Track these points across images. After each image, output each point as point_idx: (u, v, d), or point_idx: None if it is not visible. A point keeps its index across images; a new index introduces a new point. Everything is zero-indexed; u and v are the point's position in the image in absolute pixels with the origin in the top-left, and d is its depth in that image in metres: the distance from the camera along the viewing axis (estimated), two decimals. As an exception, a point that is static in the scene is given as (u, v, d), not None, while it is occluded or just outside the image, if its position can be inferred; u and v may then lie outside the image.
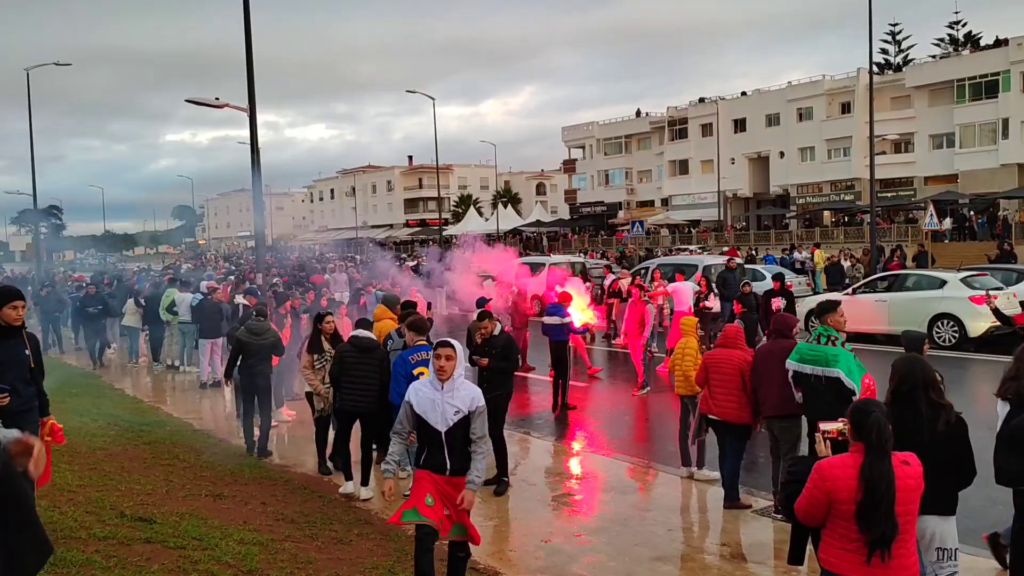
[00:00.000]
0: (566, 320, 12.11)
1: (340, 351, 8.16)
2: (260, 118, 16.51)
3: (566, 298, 12.56)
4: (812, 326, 7.84)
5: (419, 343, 7.45)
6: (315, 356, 8.92)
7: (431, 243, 56.84)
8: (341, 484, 8.15)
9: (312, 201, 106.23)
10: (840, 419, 4.05)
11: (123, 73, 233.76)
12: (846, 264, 26.86)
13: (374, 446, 8.22)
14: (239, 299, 14.14)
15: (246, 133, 16.63)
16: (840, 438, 3.95)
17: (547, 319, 12.24)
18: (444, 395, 5.01)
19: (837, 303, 6.85)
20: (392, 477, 5.27)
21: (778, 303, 13.47)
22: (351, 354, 7.97)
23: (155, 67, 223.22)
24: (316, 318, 9.13)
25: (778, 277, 14.92)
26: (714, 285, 16.60)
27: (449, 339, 5.11)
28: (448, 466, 5.01)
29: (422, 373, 7.04)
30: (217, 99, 17.77)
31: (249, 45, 16.15)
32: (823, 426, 4.06)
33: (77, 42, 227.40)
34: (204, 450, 9.71)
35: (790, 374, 6.56)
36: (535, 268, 22.57)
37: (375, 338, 8.37)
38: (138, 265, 45.56)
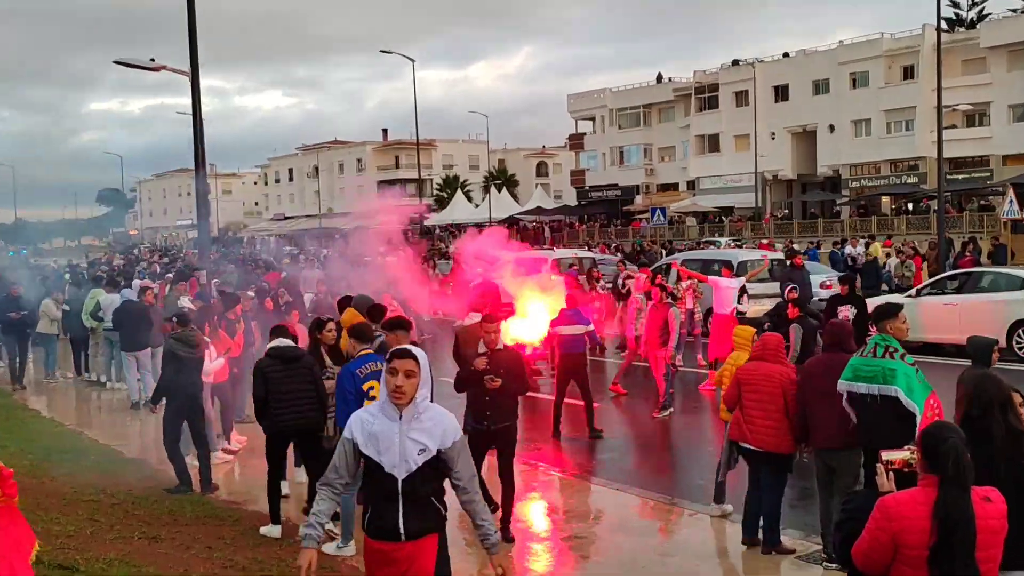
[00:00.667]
0: (590, 328, 12.05)
1: (259, 367, 8.27)
2: (203, 83, 16.48)
3: (574, 302, 12.50)
4: (869, 334, 7.86)
5: (364, 352, 7.51)
6: None
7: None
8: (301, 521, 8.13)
9: (266, 184, 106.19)
10: (906, 447, 4.04)
11: (39, 31, 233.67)
12: (894, 261, 26.52)
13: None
14: (184, 302, 14.07)
15: (186, 101, 16.60)
16: (906, 469, 3.95)
17: (563, 328, 12.08)
18: (404, 426, 4.23)
19: (898, 307, 6.88)
20: (313, 547, 4.33)
21: (846, 312, 13.08)
22: (274, 368, 8.12)
23: (78, 24, 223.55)
24: (314, 325, 9.06)
25: (846, 280, 14.67)
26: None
27: (409, 347, 4.41)
28: (402, 528, 4.21)
29: (372, 387, 7.08)
30: (152, 60, 17.76)
31: (191, -5, 16.15)
32: (886, 455, 4.06)
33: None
34: (136, 483, 9.69)
35: (843, 396, 6.57)
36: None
37: (296, 345, 8.56)
38: (55, 260, 45.43)
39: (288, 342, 8.48)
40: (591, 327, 12.21)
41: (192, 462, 9.71)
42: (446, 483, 4.41)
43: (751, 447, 7.39)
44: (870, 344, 6.61)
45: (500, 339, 7.95)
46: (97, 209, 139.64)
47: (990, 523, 3.61)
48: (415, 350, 4.35)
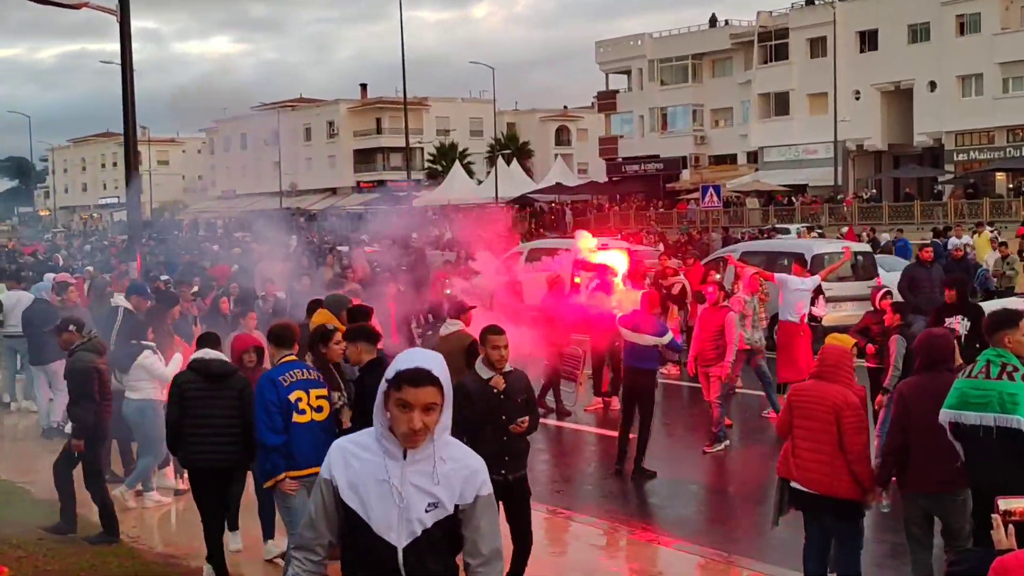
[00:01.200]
0: (664, 340, 12.02)
1: (177, 382, 8.35)
2: (135, 24, 16.54)
3: (652, 303, 12.35)
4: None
5: (287, 359, 7.75)
6: None
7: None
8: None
9: (213, 152, 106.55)
10: (1030, 492, 4.04)
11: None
12: (993, 257, 26.19)
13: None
14: (118, 300, 14.09)
15: (114, 47, 16.67)
16: (1030, 521, 3.95)
17: (633, 336, 12.00)
18: (409, 467, 3.73)
19: (1019, 315, 6.84)
20: None
21: (957, 325, 12.90)
22: (195, 385, 8.18)
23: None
24: (318, 337, 8.90)
25: (955, 283, 14.49)
26: (894, 288, 16.28)
27: (426, 367, 3.73)
28: None
29: (300, 399, 7.41)
30: (71, -5, 17.79)
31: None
32: (1003, 504, 4.06)
33: None
34: (48, 531, 9.71)
35: (947, 428, 6.56)
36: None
37: (227, 360, 8.60)
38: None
39: (217, 354, 8.46)
40: (667, 337, 12.04)
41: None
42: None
43: (799, 487, 7.39)
44: (980, 361, 6.59)
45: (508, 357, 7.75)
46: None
47: None
48: (437, 370, 3.73)
